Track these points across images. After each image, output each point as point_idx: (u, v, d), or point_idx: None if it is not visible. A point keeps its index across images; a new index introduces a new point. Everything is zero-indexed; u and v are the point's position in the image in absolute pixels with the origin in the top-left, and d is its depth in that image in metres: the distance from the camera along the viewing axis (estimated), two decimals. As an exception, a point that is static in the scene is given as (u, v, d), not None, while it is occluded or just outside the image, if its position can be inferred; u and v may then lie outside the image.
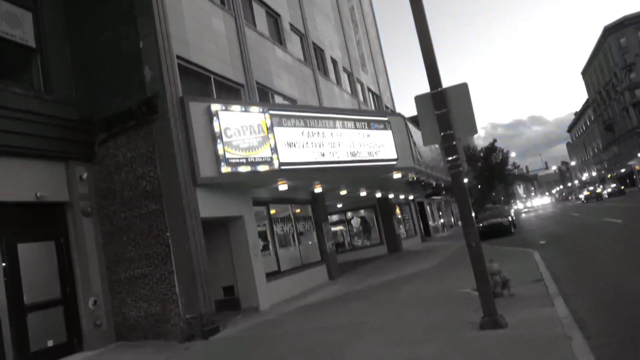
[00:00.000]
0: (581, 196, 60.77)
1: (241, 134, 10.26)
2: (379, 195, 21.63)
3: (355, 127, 13.03)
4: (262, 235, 12.48)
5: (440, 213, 42.06)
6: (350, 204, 23.43)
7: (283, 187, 12.30)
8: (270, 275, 12.00)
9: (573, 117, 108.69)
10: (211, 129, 9.88)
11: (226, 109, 10.19)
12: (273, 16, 16.34)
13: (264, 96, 14.00)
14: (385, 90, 30.69)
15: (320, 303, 10.83)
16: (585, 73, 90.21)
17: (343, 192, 16.86)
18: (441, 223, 41.06)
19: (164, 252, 9.22)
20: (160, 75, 9.42)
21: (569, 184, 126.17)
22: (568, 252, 13.10)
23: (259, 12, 15.21)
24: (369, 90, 26.85)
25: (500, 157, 56.34)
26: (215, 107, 10.03)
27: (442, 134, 6.16)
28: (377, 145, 13.43)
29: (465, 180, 22.90)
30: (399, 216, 26.11)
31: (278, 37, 16.23)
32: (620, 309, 6.17)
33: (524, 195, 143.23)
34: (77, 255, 9.53)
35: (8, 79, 9.03)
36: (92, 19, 10.37)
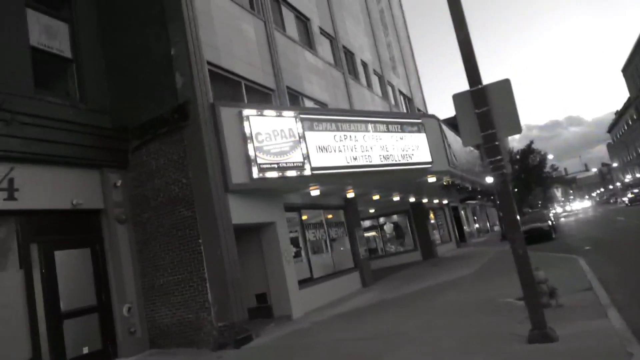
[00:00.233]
0: (624, 199, 58.03)
1: (272, 138, 10.14)
2: (412, 199, 21.16)
3: (388, 130, 12.71)
4: (294, 242, 12.30)
5: (475, 218, 40.97)
6: (383, 209, 23.01)
7: (315, 192, 12.10)
8: (303, 283, 11.80)
9: (613, 116, 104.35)
10: (242, 134, 9.79)
11: (257, 114, 10.08)
12: (302, 20, 16.25)
13: (295, 100, 13.88)
14: (416, 93, 30.17)
15: (354, 311, 10.54)
16: (626, 70, 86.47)
17: (376, 197, 16.53)
18: (476, 228, 39.97)
19: (197, 259, 9.16)
20: (191, 81, 9.41)
21: (610, 187, 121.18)
22: (616, 258, 12.36)
23: (289, 16, 15.14)
24: (400, 92, 26.43)
25: (538, 159, 54.50)
26: (246, 112, 9.94)
27: (482, 133, 5.82)
28: (410, 148, 13.07)
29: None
30: (433, 221, 25.50)
31: (308, 41, 16.12)
32: (684, 322, 5.66)
33: (562, 199, 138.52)
34: (112, 262, 9.59)
35: (45, 89, 9.20)
36: (124, 27, 10.50)
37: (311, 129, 10.89)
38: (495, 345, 5.72)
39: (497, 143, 5.75)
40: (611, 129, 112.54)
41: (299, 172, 10.34)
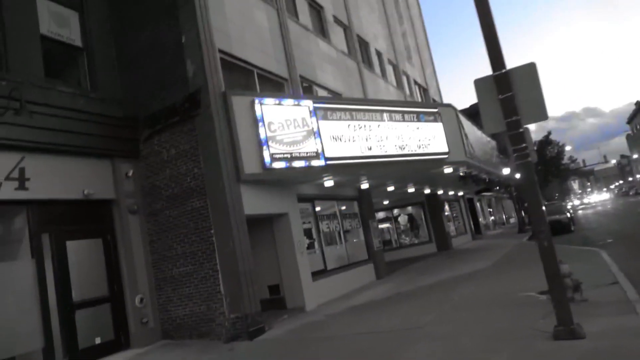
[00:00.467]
0: (645, 191, 56.73)
1: (285, 128, 9.91)
2: (427, 191, 20.81)
3: (404, 120, 12.39)
4: (308, 233, 12.10)
5: (491, 210, 40.38)
6: (398, 201, 22.70)
7: (329, 183, 11.87)
8: (316, 274, 11.62)
9: (633, 107, 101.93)
10: (254, 124, 9.58)
11: (269, 103, 9.86)
12: (316, 8, 15.93)
13: (308, 90, 13.62)
14: (432, 83, 29.65)
15: (368, 304, 10.33)
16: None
17: (390, 188, 16.24)
18: (492, 220, 39.41)
19: (209, 249, 9.02)
20: (202, 69, 9.21)
21: (630, 179, 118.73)
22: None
23: (302, 4, 14.82)
24: (415, 83, 25.97)
25: (556, 150, 53.39)
26: (258, 100, 9.72)
27: (506, 120, 5.52)
28: (427, 138, 12.73)
29: (517, 176, 21.51)
30: (448, 213, 25.13)
31: (321, 29, 15.81)
32: None
33: (579, 191, 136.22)
34: (124, 253, 9.50)
35: (56, 78, 9.08)
36: (134, 15, 10.33)
37: (325, 117, 10.64)
38: (518, 342, 5.46)
39: (521, 130, 5.46)
40: (631, 120, 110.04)
41: (312, 162, 10.11)
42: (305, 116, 10.29)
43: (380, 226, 21.67)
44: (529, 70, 5.54)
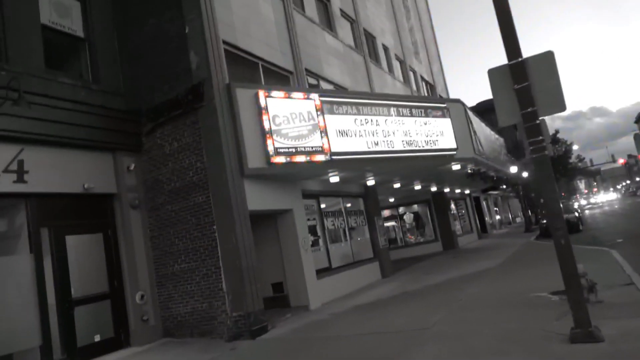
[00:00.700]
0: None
1: (290, 121, 9.68)
2: (434, 189, 20.53)
3: (412, 115, 12.11)
4: (312, 230, 11.87)
5: (497, 209, 39.97)
6: (403, 199, 22.41)
7: (334, 178, 11.62)
8: (321, 272, 11.39)
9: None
10: (259, 117, 9.35)
11: (274, 96, 9.62)
12: (322, 1, 15.66)
13: (314, 84, 13.37)
14: (439, 80, 29.30)
15: (373, 303, 10.09)
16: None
17: (397, 185, 15.96)
18: (498, 219, 39.01)
19: (211, 245, 8.81)
20: (206, 61, 8.99)
21: (637, 179, 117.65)
22: (653, 251, 11.64)
23: (308, -3, 14.57)
24: (422, 79, 25.65)
25: (563, 149, 52.86)
26: (263, 93, 9.48)
27: (522, 112, 5.26)
28: (435, 134, 12.46)
29: (525, 174, 21.25)
30: (454, 211, 24.82)
31: (328, 22, 15.54)
32: None
33: (586, 191, 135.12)
34: (124, 248, 9.31)
35: (57, 69, 8.89)
36: (137, 5, 10.12)
37: (331, 112, 10.39)
38: (532, 344, 5.21)
39: (538, 122, 5.19)
40: (638, 119, 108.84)
41: (317, 157, 9.87)
42: (310, 110, 10.04)
43: (386, 224, 21.41)
44: (547, 58, 5.27)
